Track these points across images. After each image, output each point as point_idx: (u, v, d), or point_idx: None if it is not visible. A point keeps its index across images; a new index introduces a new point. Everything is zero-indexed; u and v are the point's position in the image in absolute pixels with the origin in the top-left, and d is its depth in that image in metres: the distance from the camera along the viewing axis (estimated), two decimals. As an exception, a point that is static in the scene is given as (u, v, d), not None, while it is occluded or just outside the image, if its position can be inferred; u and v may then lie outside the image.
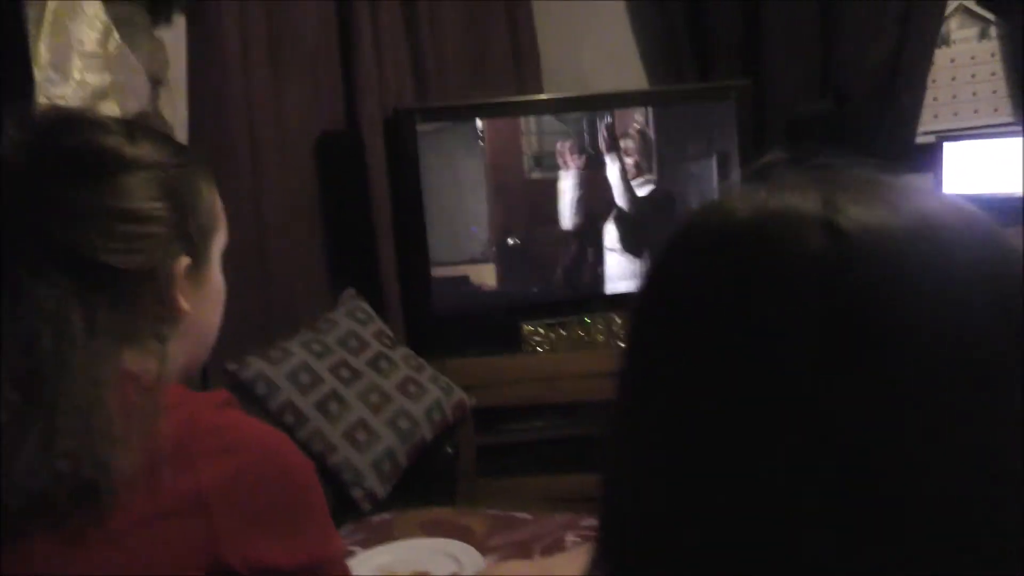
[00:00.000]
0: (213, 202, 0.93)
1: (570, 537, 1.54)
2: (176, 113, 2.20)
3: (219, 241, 0.94)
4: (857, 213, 0.41)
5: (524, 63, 2.86)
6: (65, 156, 0.84)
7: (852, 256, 0.40)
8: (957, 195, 0.45)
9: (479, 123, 2.55)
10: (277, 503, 0.82)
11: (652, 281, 0.48)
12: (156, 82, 2.09)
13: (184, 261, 0.87)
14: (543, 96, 2.78)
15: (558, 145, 2.58)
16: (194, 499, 0.78)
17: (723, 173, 2.62)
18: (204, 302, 0.92)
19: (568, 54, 2.98)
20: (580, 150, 2.59)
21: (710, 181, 2.65)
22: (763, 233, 0.42)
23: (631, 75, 2.94)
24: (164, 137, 0.93)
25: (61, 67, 1.84)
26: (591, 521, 1.64)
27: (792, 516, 0.40)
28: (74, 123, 0.87)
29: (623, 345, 0.48)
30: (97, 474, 0.75)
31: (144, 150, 0.87)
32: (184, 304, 0.88)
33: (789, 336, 0.40)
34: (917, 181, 0.46)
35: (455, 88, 2.75)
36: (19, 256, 0.80)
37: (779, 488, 0.40)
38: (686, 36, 2.79)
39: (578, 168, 2.59)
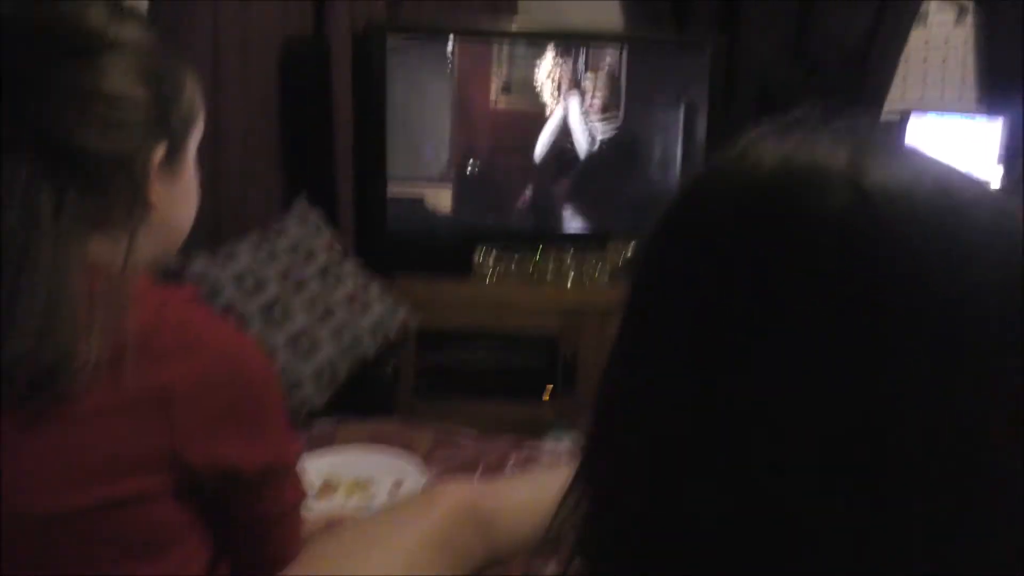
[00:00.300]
0: (194, 93, 0.90)
1: (513, 457, 1.55)
2: (135, 3, 2.09)
3: (196, 136, 0.91)
4: (882, 175, 0.41)
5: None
6: (44, 31, 0.80)
7: (874, 218, 0.40)
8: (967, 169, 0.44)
9: (449, 45, 2.50)
10: (240, 405, 0.82)
11: (669, 221, 0.45)
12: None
13: (161, 152, 0.84)
14: (517, 26, 2.73)
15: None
16: (157, 394, 0.77)
17: (689, 124, 2.63)
18: (177, 196, 0.89)
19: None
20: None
21: (675, 131, 2.65)
22: (788, 186, 0.41)
23: (607, 13, 2.90)
24: (149, 21, 0.90)
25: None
26: (532, 445, 1.65)
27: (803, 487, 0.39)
28: None
29: (626, 286, 0.46)
30: (57, 359, 0.74)
31: (128, 32, 0.83)
32: (156, 196, 0.85)
33: (806, 293, 0.39)
34: (933, 152, 0.45)
35: (429, 7, 2.67)
36: None
37: (798, 458, 0.39)
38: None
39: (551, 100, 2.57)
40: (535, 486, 1.35)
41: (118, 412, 0.76)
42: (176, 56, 0.88)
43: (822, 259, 0.39)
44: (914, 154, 0.44)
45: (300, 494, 0.91)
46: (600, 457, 0.47)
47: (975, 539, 0.39)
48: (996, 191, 0.43)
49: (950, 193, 0.41)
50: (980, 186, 0.43)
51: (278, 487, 0.87)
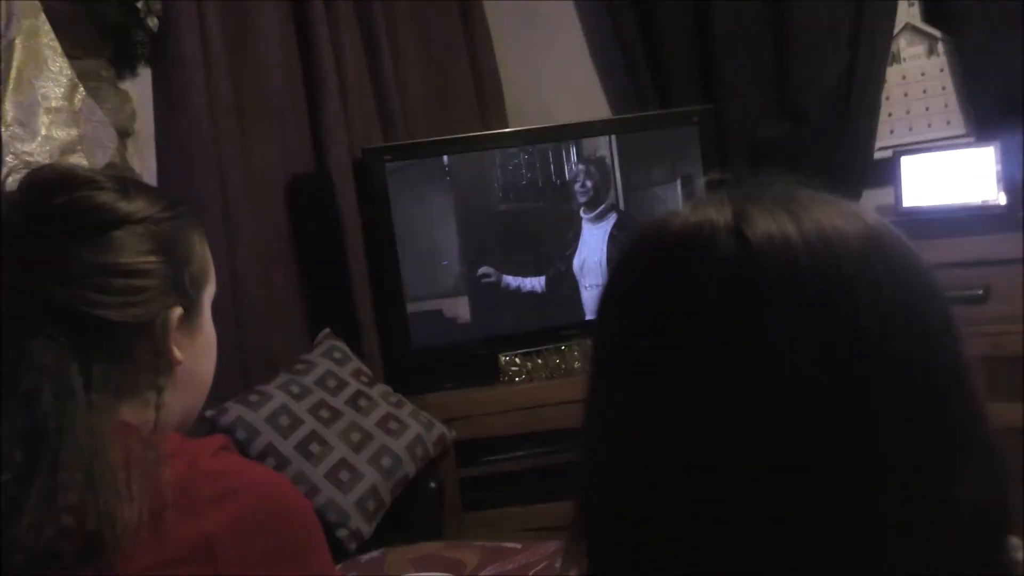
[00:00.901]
0: (204, 253, 0.95)
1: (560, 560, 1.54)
2: (144, 165, 2.21)
3: (210, 291, 0.96)
4: (762, 224, 0.51)
5: (487, 97, 2.90)
6: (60, 214, 0.85)
7: (754, 259, 0.50)
8: (869, 210, 0.55)
9: (445, 159, 2.58)
10: (281, 545, 0.84)
11: (608, 284, 0.57)
12: (123, 135, 2.11)
13: (178, 313, 0.89)
14: (508, 130, 2.82)
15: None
16: (200, 545, 0.79)
17: (687, 197, 2.67)
18: (198, 352, 0.93)
19: (530, 87, 3.03)
20: (547, 181, 2.63)
21: (676, 205, 2.68)
22: (685, 242, 0.53)
23: (593, 106, 2.99)
24: (154, 191, 0.95)
25: (28, 123, 1.85)
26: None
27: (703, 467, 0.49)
28: (67, 180, 0.88)
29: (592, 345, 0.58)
30: (102, 526, 0.76)
31: (136, 205, 0.88)
32: (179, 355, 0.89)
33: (705, 325, 0.50)
34: (833, 198, 0.55)
35: (421, 126, 2.78)
36: (18, 314, 0.82)
37: (696, 448, 0.50)
38: (645, 65, 2.85)
39: (547, 199, 2.63)
40: None
41: (163, 568, 0.78)
42: (184, 218, 0.93)
43: (716, 296, 0.50)
44: (799, 202, 0.53)
45: None
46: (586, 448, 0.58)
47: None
48: (874, 227, 0.52)
49: (826, 235, 0.51)
50: (868, 225, 0.52)
51: None
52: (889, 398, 0.48)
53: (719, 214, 0.52)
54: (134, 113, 2.14)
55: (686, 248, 0.52)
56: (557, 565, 1.57)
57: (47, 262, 0.83)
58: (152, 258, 0.87)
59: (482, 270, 2.61)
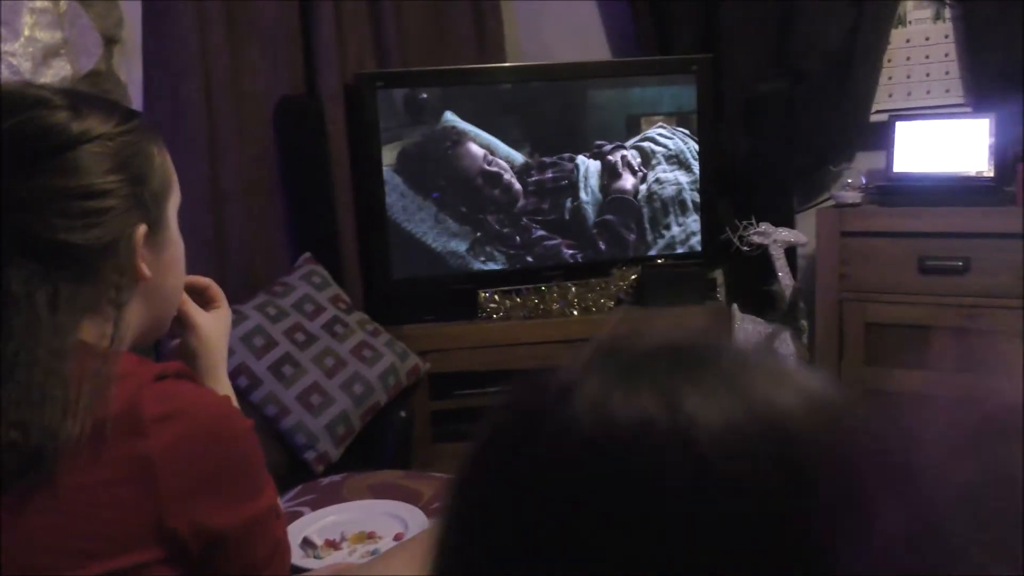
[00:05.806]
0: (165, 164, 0.94)
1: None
2: (130, 73, 2.17)
3: (174, 202, 0.95)
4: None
5: (486, 31, 2.85)
6: (11, 139, 0.83)
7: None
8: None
9: (439, 90, 2.55)
10: (222, 468, 0.84)
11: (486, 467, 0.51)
12: (110, 41, 2.07)
13: (142, 229, 0.88)
14: (503, 64, 2.78)
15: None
16: (141, 464, 0.80)
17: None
18: (164, 265, 0.93)
19: (532, 28, 2.98)
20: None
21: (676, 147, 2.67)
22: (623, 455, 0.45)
23: (594, 48, 2.95)
24: (110, 104, 0.91)
25: (10, 23, 1.81)
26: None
27: None
28: (16, 102, 0.85)
29: None
30: (44, 440, 0.77)
31: (90, 122, 0.86)
32: (145, 271, 0.89)
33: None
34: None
35: (417, 56, 2.73)
36: None
37: None
38: (648, 11, 2.80)
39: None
40: None
41: (102, 484, 0.79)
42: (140, 131, 0.91)
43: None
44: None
45: (283, 530, 0.94)
46: None
47: None
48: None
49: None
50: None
51: (263, 533, 0.89)
52: None
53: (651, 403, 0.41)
54: (121, 20, 2.09)
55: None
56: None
57: (4, 191, 0.82)
58: (111, 177, 0.86)
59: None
